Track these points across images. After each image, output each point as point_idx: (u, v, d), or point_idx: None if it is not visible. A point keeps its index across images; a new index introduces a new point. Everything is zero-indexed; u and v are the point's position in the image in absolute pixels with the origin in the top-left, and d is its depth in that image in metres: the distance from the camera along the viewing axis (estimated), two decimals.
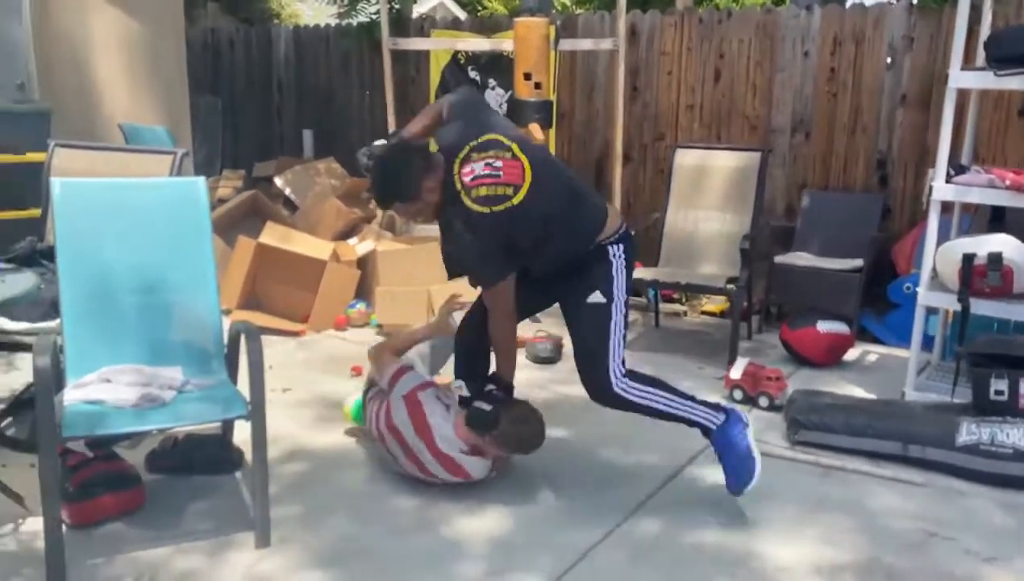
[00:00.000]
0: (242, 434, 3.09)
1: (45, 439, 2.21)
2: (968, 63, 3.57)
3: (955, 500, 2.82)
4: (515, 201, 2.50)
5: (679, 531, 2.57)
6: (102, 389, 2.49)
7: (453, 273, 2.81)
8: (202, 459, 2.92)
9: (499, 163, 2.53)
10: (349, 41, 7.15)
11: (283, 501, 2.67)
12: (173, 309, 2.80)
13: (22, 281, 2.71)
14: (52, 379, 2.25)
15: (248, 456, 2.92)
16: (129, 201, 2.77)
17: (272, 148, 7.76)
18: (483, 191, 2.50)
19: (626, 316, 2.72)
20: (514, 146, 2.59)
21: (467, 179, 2.52)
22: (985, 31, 3.63)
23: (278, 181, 5.64)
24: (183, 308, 2.80)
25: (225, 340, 2.84)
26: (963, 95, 3.56)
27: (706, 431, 2.73)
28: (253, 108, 7.95)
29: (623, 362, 2.69)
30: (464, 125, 2.68)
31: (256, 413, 2.44)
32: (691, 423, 2.73)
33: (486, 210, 2.49)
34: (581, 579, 2.32)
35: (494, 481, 2.84)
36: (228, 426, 2.96)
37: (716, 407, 2.75)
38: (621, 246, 2.71)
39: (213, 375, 2.76)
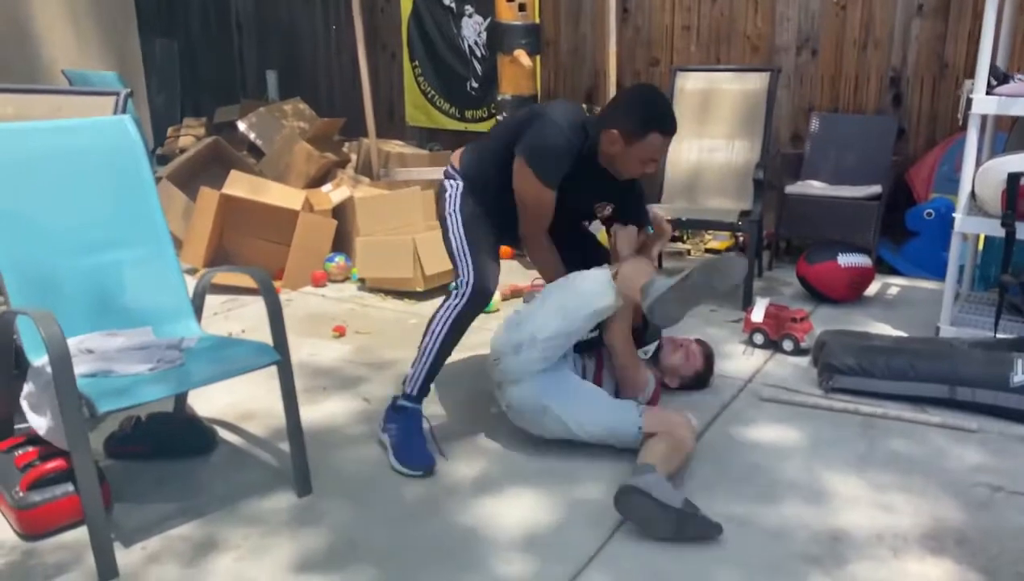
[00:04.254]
0: (206, 411, 2.80)
1: (74, 416, 1.88)
2: None
3: (1016, 448, 2.54)
4: None
5: (716, 502, 2.27)
6: (92, 360, 2.13)
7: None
8: (171, 439, 2.57)
9: None
10: None
11: (271, 491, 2.33)
12: (127, 266, 2.44)
13: None
14: (67, 351, 1.90)
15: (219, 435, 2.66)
16: (49, 148, 2.35)
17: (235, 91, 7.26)
18: None
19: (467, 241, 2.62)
20: None
21: None
22: None
23: (241, 126, 5.19)
24: (138, 263, 2.45)
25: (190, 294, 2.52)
26: None
27: (403, 398, 2.58)
28: (212, 50, 7.41)
29: (470, 289, 2.54)
30: None
31: (284, 358, 2.21)
32: (414, 377, 2.57)
33: None
34: (615, 559, 2.01)
35: (518, 454, 2.54)
36: (182, 402, 2.62)
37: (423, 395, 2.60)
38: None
39: (190, 331, 2.43)
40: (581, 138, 2.54)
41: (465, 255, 2.64)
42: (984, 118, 3.16)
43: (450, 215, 2.70)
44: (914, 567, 1.99)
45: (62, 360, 1.88)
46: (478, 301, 2.55)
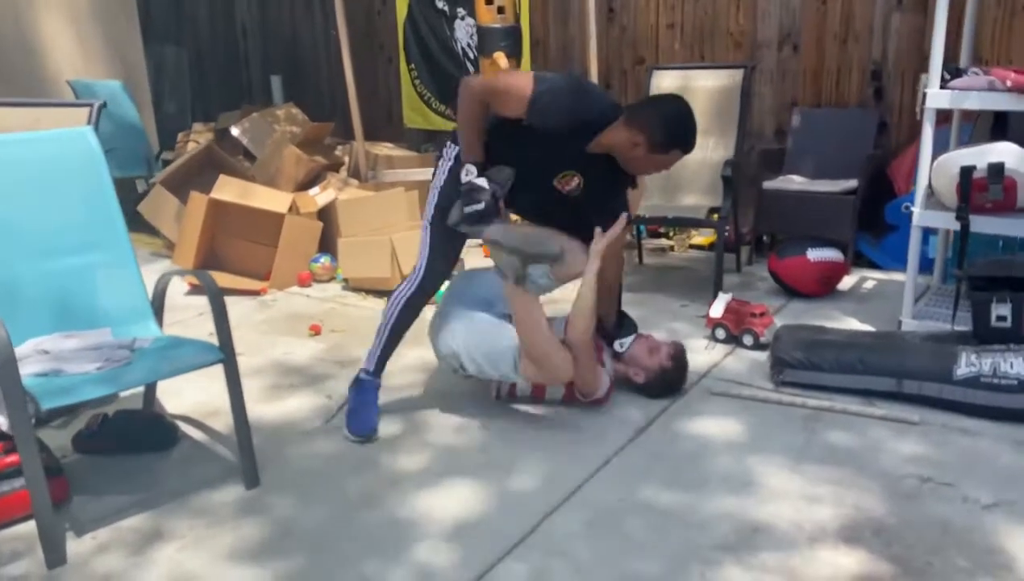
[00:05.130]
0: (174, 406, 2.92)
1: (19, 413, 1.99)
2: None
3: (954, 439, 2.57)
4: None
5: (646, 492, 2.33)
6: (46, 361, 2.27)
7: None
8: (136, 436, 2.69)
9: None
10: None
11: (222, 484, 2.44)
12: (86, 270, 2.58)
13: None
14: (12, 353, 2.01)
15: (181, 430, 2.78)
16: (12, 159, 2.50)
17: (241, 97, 7.43)
18: None
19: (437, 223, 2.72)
20: None
21: None
22: None
23: (235, 131, 5.33)
24: (97, 267, 2.59)
25: (150, 294, 2.66)
26: None
27: (362, 372, 2.81)
28: (220, 56, 7.59)
29: (419, 278, 2.73)
30: None
31: (228, 355, 2.32)
32: (372, 354, 2.80)
33: None
34: (536, 548, 2.09)
35: (463, 449, 2.62)
36: (151, 398, 2.75)
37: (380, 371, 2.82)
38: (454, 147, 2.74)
39: (148, 331, 2.57)
40: (595, 113, 2.56)
41: (426, 244, 2.77)
42: (941, 112, 3.15)
43: (433, 189, 2.78)
44: (826, 555, 2.04)
45: (7, 362, 2.00)
46: (426, 289, 2.73)
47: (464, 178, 2.56)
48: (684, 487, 2.35)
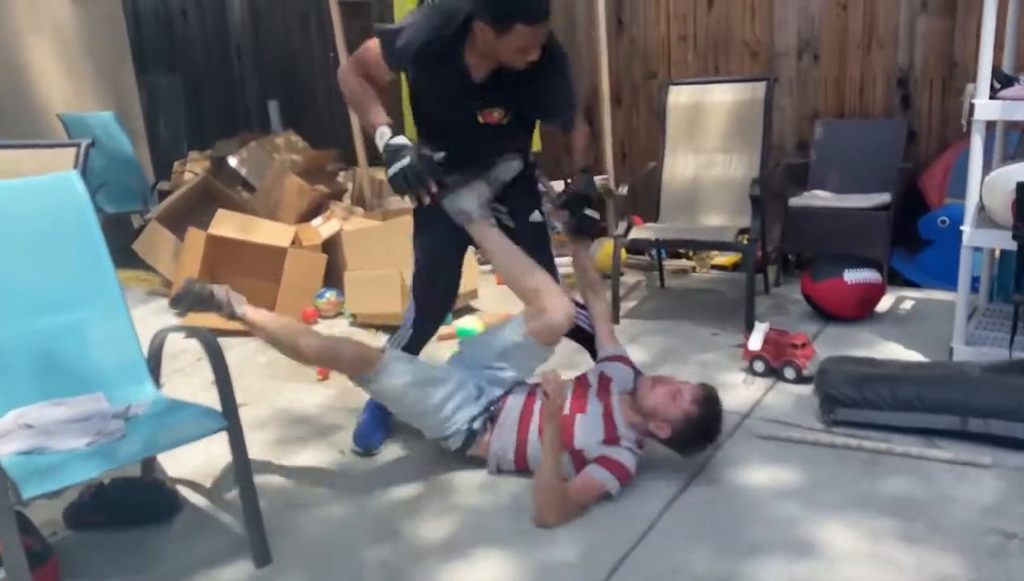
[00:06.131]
0: (175, 470, 2.69)
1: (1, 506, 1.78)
2: None
3: None
4: None
5: (698, 560, 2.10)
6: (29, 436, 2.04)
7: None
8: (134, 507, 2.46)
9: None
10: None
11: (229, 561, 2.21)
12: (76, 329, 2.35)
13: None
14: None
15: (183, 497, 2.55)
16: None
17: (238, 123, 7.22)
18: None
19: None
20: None
21: None
22: None
23: (232, 161, 5.12)
24: (87, 325, 2.36)
25: (145, 351, 2.44)
26: None
27: None
28: (215, 82, 7.39)
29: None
30: None
31: (232, 422, 2.12)
32: None
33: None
34: None
35: (492, 511, 2.39)
36: (150, 464, 2.52)
37: None
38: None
39: (144, 394, 2.34)
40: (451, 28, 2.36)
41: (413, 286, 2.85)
42: (989, 124, 2.94)
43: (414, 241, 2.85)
44: None
45: None
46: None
47: (379, 142, 2.40)
48: (739, 552, 2.12)
